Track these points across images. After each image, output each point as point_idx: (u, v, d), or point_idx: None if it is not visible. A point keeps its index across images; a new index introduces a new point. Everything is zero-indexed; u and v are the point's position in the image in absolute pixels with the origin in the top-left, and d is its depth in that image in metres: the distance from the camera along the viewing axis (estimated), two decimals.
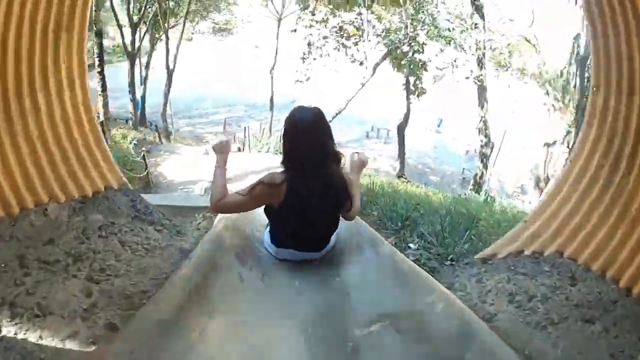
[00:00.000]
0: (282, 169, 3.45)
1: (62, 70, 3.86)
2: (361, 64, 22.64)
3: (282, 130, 3.98)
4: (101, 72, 16.28)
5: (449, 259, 4.87)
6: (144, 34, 30.53)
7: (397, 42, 19.85)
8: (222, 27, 60.42)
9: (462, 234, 5.69)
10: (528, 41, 26.09)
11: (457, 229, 5.93)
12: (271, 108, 29.66)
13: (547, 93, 25.00)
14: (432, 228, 5.79)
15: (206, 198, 5.06)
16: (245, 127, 25.37)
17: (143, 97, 32.18)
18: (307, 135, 3.46)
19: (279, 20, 29.24)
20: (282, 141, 3.84)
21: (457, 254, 4.99)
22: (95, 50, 18.40)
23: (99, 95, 17.06)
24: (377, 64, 20.39)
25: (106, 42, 52.98)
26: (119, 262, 3.39)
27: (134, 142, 16.05)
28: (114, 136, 15.49)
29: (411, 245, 5.37)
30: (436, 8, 19.96)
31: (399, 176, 24.94)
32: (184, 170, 16.11)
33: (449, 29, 21.75)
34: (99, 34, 18.14)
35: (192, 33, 53.35)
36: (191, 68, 43.63)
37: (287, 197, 3.36)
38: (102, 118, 15.77)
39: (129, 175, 12.56)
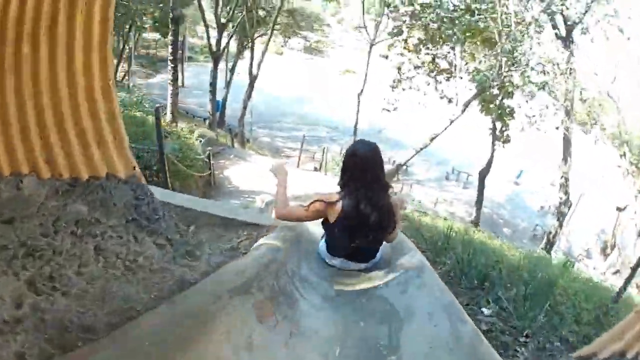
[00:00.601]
0: (339, 190, 3.97)
1: (78, 19, 2.91)
2: (450, 101, 21.55)
3: (343, 156, 4.30)
4: (173, 62, 15.52)
5: (524, 334, 4.10)
6: (230, 37, 30.33)
7: (486, 82, 18.53)
8: (314, 46, 61.25)
9: (541, 303, 4.73)
10: (610, 97, 24.41)
11: (536, 296, 4.93)
12: (354, 132, 28.49)
13: (624, 155, 23.90)
14: (509, 292, 4.91)
15: (259, 214, 5.43)
16: (324, 148, 24.38)
17: (224, 100, 32.00)
18: (364, 165, 3.91)
19: (371, 45, 28.23)
20: (342, 166, 4.19)
21: (534, 329, 4.21)
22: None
23: (169, 83, 16.45)
24: (468, 102, 19.12)
25: (194, 41, 54.49)
26: (79, 275, 2.41)
27: (200, 139, 15.18)
28: (181, 130, 14.71)
29: (484, 310, 4.49)
30: (530, 49, 18.51)
31: (474, 224, 23.52)
32: (252, 179, 15.38)
33: (543, 71, 20.33)
34: (175, 27, 17.54)
35: (282, 46, 55.13)
36: (280, 82, 44.41)
37: (342, 215, 3.82)
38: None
39: (185, 172, 11.90)
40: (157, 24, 35.71)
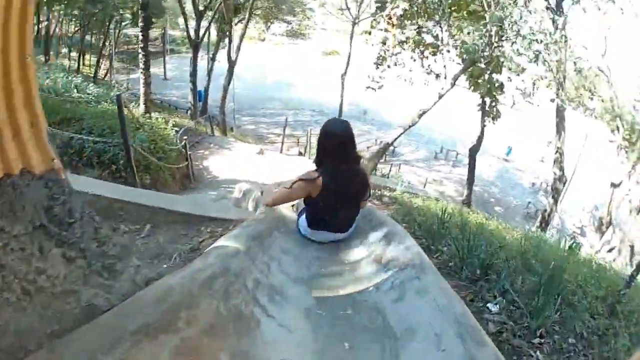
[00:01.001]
0: (315, 168, 4.30)
1: None
2: (437, 76, 20.76)
3: (318, 135, 4.54)
4: (144, 50, 14.70)
5: (538, 334, 3.43)
6: (209, 24, 29.49)
7: (475, 53, 17.58)
8: (296, 30, 60.78)
9: (552, 293, 3.97)
10: (602, 72, 23.51)
11: (546, 287, 4.10)
12: (339, 114, 27.74)
13: (617, 129, 23.21)
14: (517, 284, 4.23)
15: (225, 207, 5.58)
16: (309, 130, 23.36)
17: (206, 89, 31.21)
18: (338, 142, 4.24)
19: (354, 24, 27.43)
20: (317, 145, 4.52)
21: (549, 327, 3.53)
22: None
23: (141, 73, 15.62)
24: (457, 76, 18.10)
25: (176, 33, 53.86)
26: None
27: (176, 130, 14.34)
28: (156, 120, 13.92)
29: (491, 306, 3.76)
30: (520, 18, 17.56)
31: (466, 203, 22.61)
32: (233, 168, 14.74)
33: (535, 40, 19.35)
34: (147, 21, 16.77)
35: (264, 31, 55.26)
36: (263, 68, 44.40)
37: (323, 190, 4.13)
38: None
39: (157, 165, 11.17)
40: (134, 19, 35.39)
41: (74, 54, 38.17)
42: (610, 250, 21.91)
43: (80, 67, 35.22)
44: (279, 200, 4.54)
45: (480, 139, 23.25)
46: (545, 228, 19.68)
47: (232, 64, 24.62)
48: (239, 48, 26.33)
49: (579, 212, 30.12)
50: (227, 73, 24.35)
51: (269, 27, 54.54)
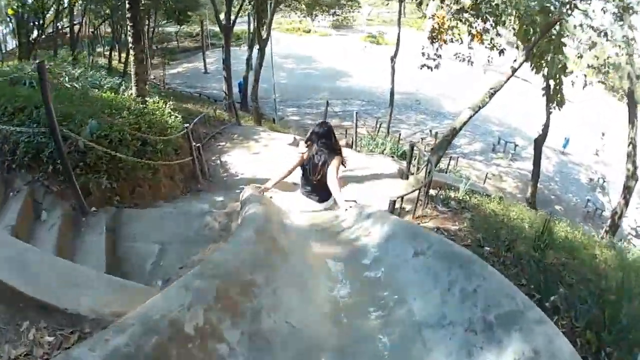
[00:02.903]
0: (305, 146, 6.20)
1: None
2: (502, 52, 17.15)
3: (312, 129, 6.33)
4: (133, 17, 11.04)
5: None
6: (240, 7, 26.84)
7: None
8: (342, 22, 59.20)
9: None
10: None
11: None
12: (391, 103, 23.92)
13: None
14: None
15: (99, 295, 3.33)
16: (355, 117, 18.85)
17: (245, 78, 28.48)
18: (321, 137, 6.07)
19: (401, 0, 23.51)
20: (308, 134, 6.28)
21: None
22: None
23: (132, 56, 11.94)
24: (531, 47, 14.22)
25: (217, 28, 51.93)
26: None
27: (176, 115, 10.66)
28: (153, 102, 10.53)
29: None
30: None
31: (530, 202, 19.50)
32: (258, 162, 11.41)
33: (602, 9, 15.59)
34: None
35: (301, 20, 52.96)
36: (308, 60, 42.26)
37: (306, 162, 6.07)
38: None
39: (135, 162, 7.63)
40: (167, 13, 33.27)
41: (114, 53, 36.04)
42: None
43: (112, 63, 32.85)
44: (285, 176, 6.32)
45: (546, 128, 19.85)
46: (615, 232, 17.37)
47: (262, 44, 20.74)
48: (268, 31, 22.47)
49: (633, 211, 25.59)
50: (259, 53, 20.59)
51: (314, 18, 53.21)
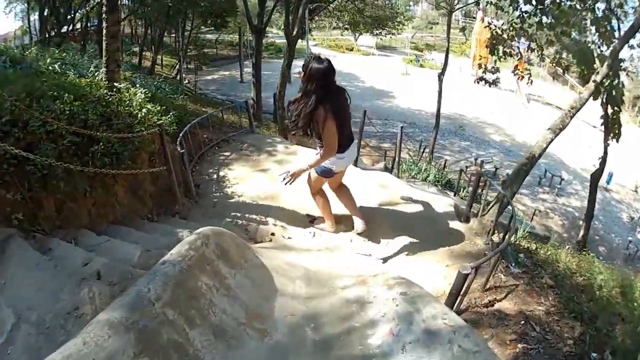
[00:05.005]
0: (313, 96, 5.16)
1: None
2: (566, 70, 14.55)
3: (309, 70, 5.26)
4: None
5: None
6: (274, 6, 23.51)
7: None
8: (386, 43, 57.39)
9: None
10: None
11: None
12: (436, 125, 20.78)
13: None
14: None
15: None
16: (398, 139, 15.60)
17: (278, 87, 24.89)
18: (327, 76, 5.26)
19: (450, 12, 20.45)
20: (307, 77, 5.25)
21: None
22: None
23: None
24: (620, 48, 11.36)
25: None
26: None
27: (142, 99, 7.54)
28: (123, 93, 7.31)
29: None
30: None
31: (581, 245, 15.67)
32: (263, 183, 8.27)
33: None
34: None
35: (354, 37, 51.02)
36: (350, 77, 39.16)
37: (335, 118, 5.19)
38: None
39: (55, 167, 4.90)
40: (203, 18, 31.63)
41: (149, 54, 33.81)
42: None
43: (142, 62, 30.65)
44: (333, 144, 5.29)
45: (604, 162, 16.04)
46: None
47: (290, 40, 17.65)
48: (298, 27, 19.47)
49: None
50: (287, 50, 17.57)
51: (358, 37, 52.15)
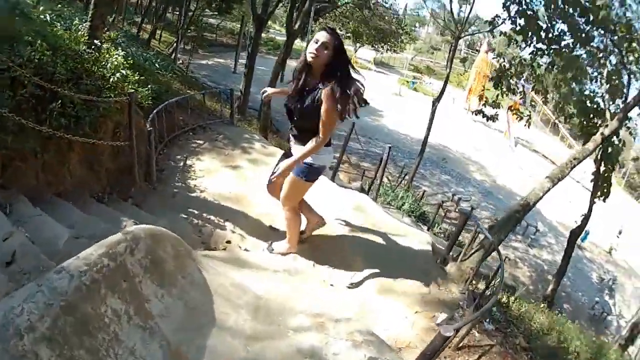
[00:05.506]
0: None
1: None
2: (569, 119, 14.12)
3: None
4: None
5: None
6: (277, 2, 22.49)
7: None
8: (384, 60, 56.99)
9: None
10: None
11: None
12: (421, 152, 20.04)
13: None
14: None
15: None
16: (381, 160, 14.82)
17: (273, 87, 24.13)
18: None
19: (458, 37, 19.94)
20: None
21: None
22: None
23: None
24: (634, 103, 11.08)
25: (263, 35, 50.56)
26: None
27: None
28: (103, 53, 6.64)
29: None
30: None
31: (548, 300, 15.58)
32: (231, 180, 7.69)
33: None
34: None
35: (354, 48, 50.26)
36: None
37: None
38: None
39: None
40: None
41: (150, 27, 33.20)
42: None
43: (140, 33, 29.73)
44: (331, 132, 4.56)
45: (586, 220, 16.18)
46: (632, 343, 14.14)
47: (290, 32, 16.88)
48: (300, 23, 18.73)
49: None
50: (285, 46, 16.81)
51: (358, 49, 51.05)
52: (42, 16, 7.13)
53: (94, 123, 5.80)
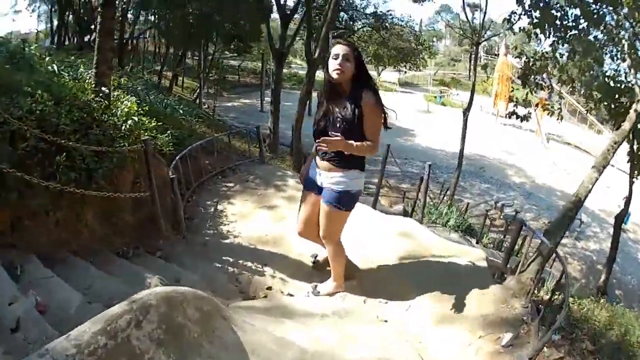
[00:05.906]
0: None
1: None
2: (598, 103, 13.55)
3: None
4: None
5: None
6: (297, 29, 23.51)
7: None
8: (409, 80, 58.12)
9: None
10: None
11: None
12: (459, 165, 19.50)
13: None
14: None
15: None
16: (421, 181, 14.38)
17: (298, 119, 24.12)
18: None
19: (477, 43, 19.49)
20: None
21: None
22: None
23: None
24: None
25: (285, 70, 51.01)
26: None
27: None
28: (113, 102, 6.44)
29: None
30: None
31: (600, 291, 14.18)
32: (267, 222, 7.27)
33: None
34: None
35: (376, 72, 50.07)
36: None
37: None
38: None
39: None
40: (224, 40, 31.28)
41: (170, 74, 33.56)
42: None
43: (161, 81, 29.48)
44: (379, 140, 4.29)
45: (628, 202, 15.29)
46: None
47: (311, 63, 16.60)
48: (319, 50, 18.47)
49: None
50: (307, 76, 16.54)
51: (381, 72, 50.91)
52: (49, 67, 6.90)
53: (107, 175, 5.46)
